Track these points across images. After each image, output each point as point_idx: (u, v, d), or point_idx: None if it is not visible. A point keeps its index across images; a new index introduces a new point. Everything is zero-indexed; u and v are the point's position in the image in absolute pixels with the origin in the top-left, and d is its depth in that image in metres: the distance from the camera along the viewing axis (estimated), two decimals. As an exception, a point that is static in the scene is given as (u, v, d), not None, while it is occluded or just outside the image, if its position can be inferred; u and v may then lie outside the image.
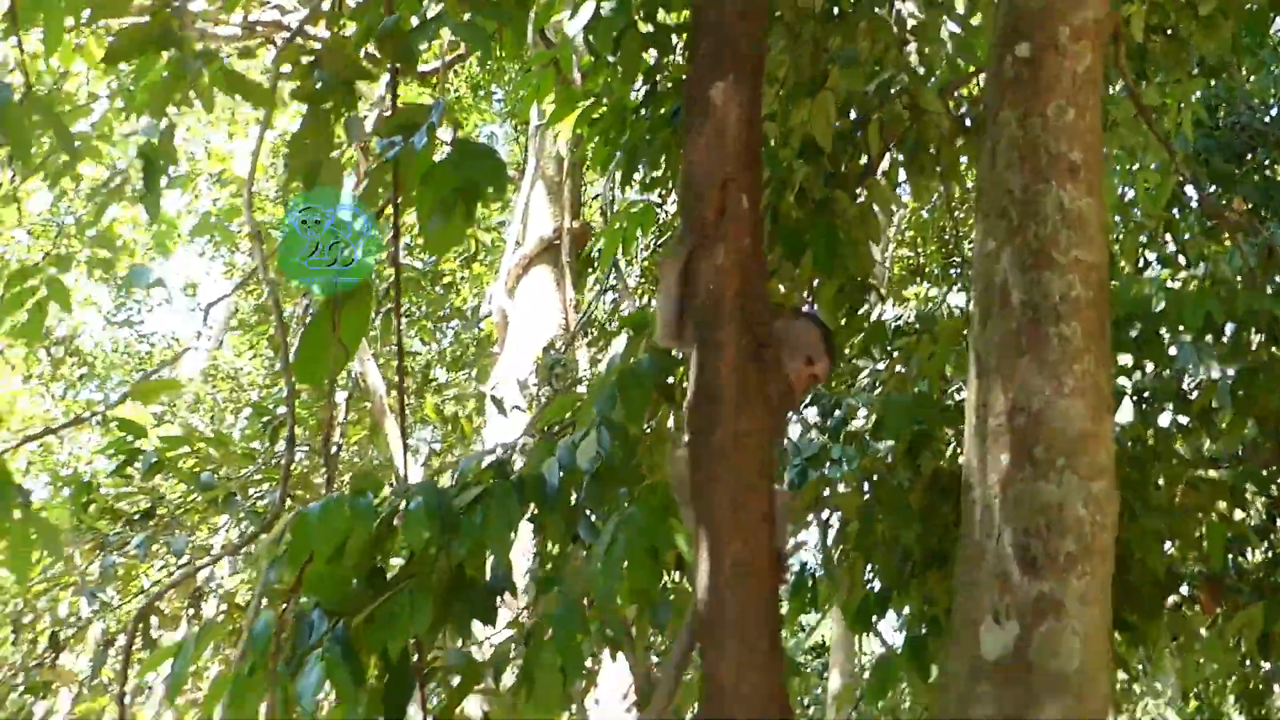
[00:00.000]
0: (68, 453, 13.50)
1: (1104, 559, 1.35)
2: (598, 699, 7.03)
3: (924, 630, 3.22)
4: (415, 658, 2.64)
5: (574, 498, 2.54)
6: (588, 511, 2.56)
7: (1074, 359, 1.39)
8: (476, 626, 2.69)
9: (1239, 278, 3.39)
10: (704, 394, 1.72)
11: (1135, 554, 3.12)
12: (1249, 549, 4.84)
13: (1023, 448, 1.38)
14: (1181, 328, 3.18)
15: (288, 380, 6.03)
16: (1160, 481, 3.59)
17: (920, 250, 9.33)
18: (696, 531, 1.75)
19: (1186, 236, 5.19)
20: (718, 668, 1.65)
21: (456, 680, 3.13)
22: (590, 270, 6.88)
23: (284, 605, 2.88)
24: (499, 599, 2.69)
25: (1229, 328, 3.69)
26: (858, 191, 2.88)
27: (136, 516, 6.37)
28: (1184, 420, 3.77)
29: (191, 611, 9.15)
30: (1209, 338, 3.86)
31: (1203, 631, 4.48)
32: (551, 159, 7.06)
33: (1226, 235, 4.27)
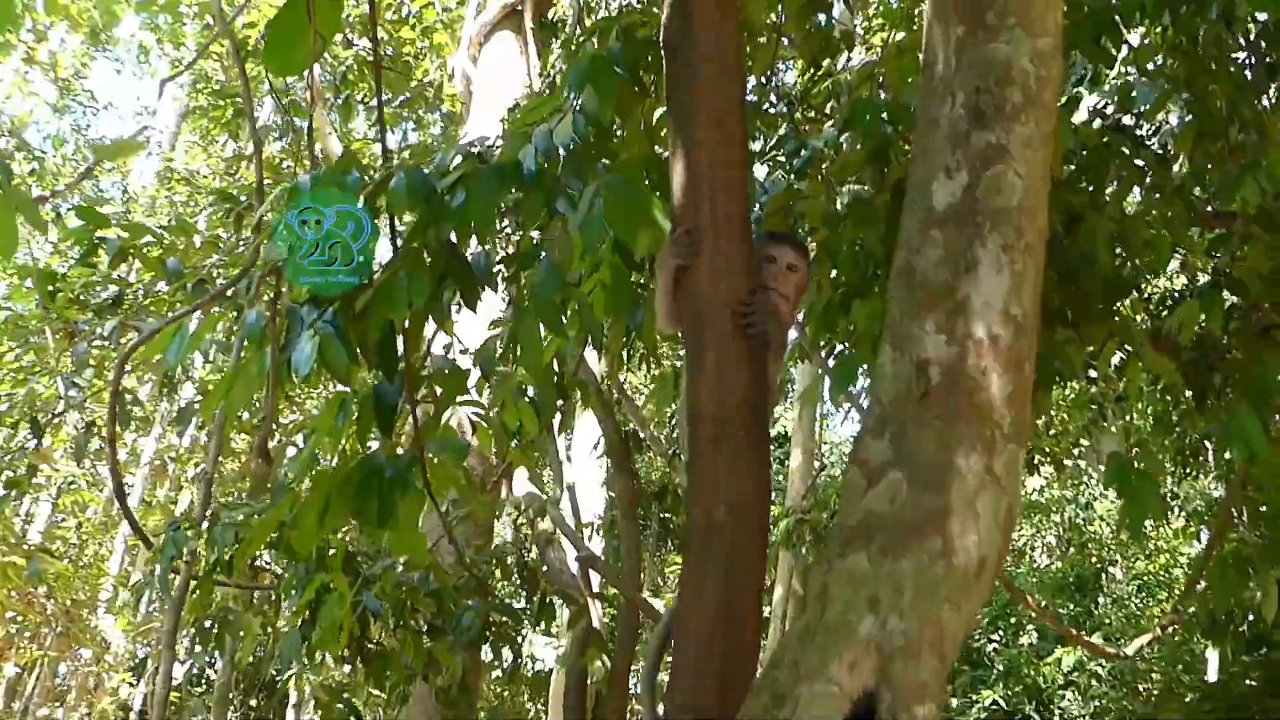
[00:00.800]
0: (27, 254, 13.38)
1: (1047, 113, 1.47)
2: (570, 456, 7.39)
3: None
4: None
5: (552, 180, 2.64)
6: (566, 189, 2.65)
7: (1028, -77, 1.47)
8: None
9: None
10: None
11: (1084, 253, 3.28)
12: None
13: (976, 15, 1.48)
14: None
15: (256, 146, 6.00)
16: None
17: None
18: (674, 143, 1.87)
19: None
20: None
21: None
22: (554, 36, 6.78)
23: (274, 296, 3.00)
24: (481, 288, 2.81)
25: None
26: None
27: (106, 304, 6.40)
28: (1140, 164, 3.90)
29: (166, 392, 9.31)
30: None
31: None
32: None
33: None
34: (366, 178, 2.69)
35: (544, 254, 2.60)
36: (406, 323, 2.67)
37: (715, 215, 1.82)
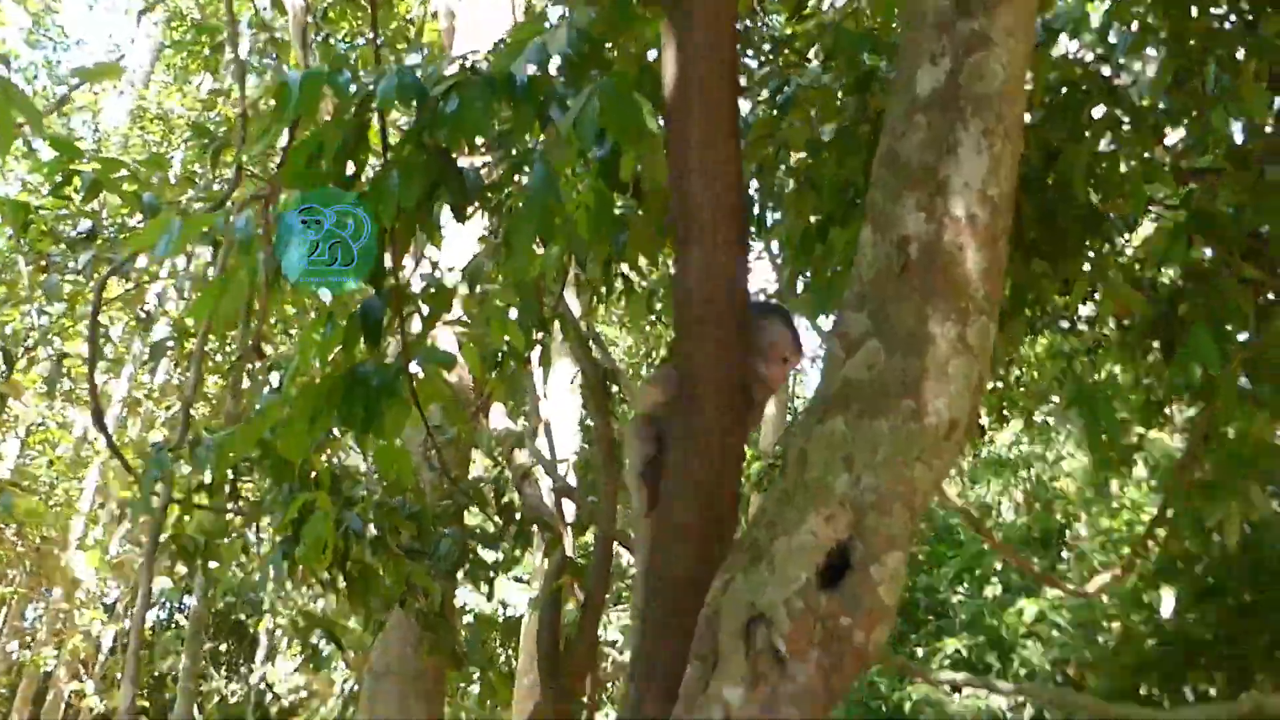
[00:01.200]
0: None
1: (1027, 2, 1.54)
2: (547, 393, 7.46)
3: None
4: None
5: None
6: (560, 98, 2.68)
7: None
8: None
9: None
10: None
11: (1061, 184, 3.36)
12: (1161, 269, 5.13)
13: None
14: None
15: (239, 75, 5.96)
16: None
17: None
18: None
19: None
20: None
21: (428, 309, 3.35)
22: (542, -28, 6.76)
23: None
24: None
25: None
26: None
27: (80, 238, 6.38)
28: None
29: (140, 329, 9.28)
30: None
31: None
32: None
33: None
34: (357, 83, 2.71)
35: (538, 161, 2.64)
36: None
37: (708, 115, 1.87)
